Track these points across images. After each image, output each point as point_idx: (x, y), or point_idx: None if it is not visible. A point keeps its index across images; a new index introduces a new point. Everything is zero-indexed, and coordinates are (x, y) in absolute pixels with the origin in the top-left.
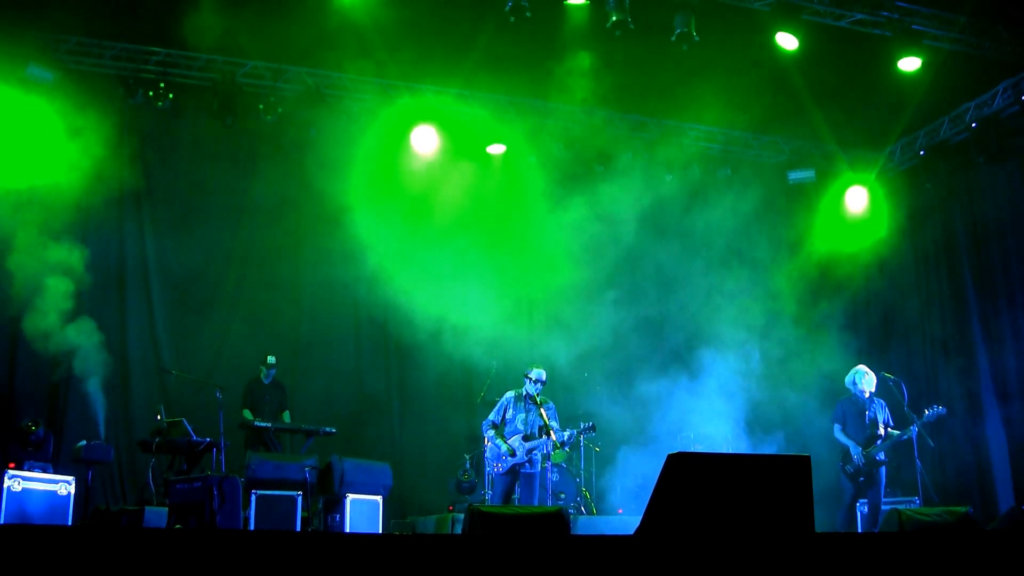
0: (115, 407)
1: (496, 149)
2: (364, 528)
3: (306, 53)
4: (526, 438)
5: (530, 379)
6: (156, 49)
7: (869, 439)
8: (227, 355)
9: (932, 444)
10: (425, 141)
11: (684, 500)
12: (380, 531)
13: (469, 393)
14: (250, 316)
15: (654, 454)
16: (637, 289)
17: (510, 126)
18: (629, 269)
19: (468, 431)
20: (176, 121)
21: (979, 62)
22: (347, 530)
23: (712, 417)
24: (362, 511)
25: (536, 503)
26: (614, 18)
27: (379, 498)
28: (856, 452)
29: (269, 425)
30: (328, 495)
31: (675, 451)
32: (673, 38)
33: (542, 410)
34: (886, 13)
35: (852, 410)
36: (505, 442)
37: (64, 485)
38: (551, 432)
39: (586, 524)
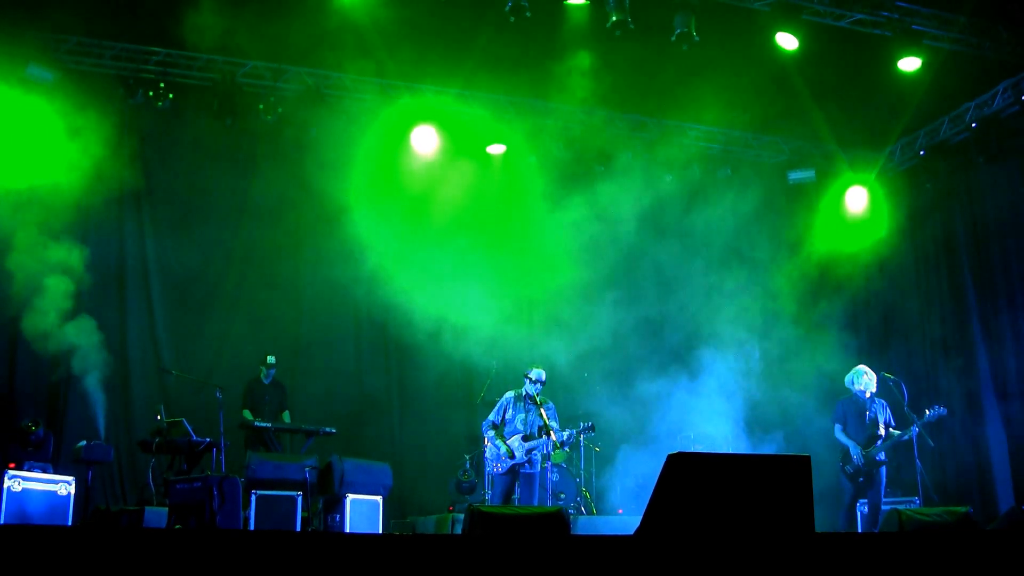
0: (115, 407)
1: (496, 149)
2: (364, 528)
3: (306, 53)
4: (525, 438)
5: (530, 379)
6: (156, 49)
7: (869, 439)
8: (227, 355)
9: (932, 444)
10: (425, 141)
11: (684, 500)
12: (380, 531)
13: (469, 393)
14: (250, 316)
15: (654, 454)
16: (637, 289)
17: (510, 126)
18: (629, 269)
19: (468, 431)
20: (176, 121)
21: (979, 62)
22: (347, 530)
23: (712, 417)
24: (362, 511)
25: (536, 503)
26: (614, 18)
27: (379, 498)
28: (856, 452)
29: (269, 425)
30: (328, 495)
31: (675, 451)
32: (673, 38)
33: (542, 410)
34: (886, 13)
35: (852, 410)
36: (504, 443)
37: (64, 485)
38: (551, 432)
39: (586, 524)
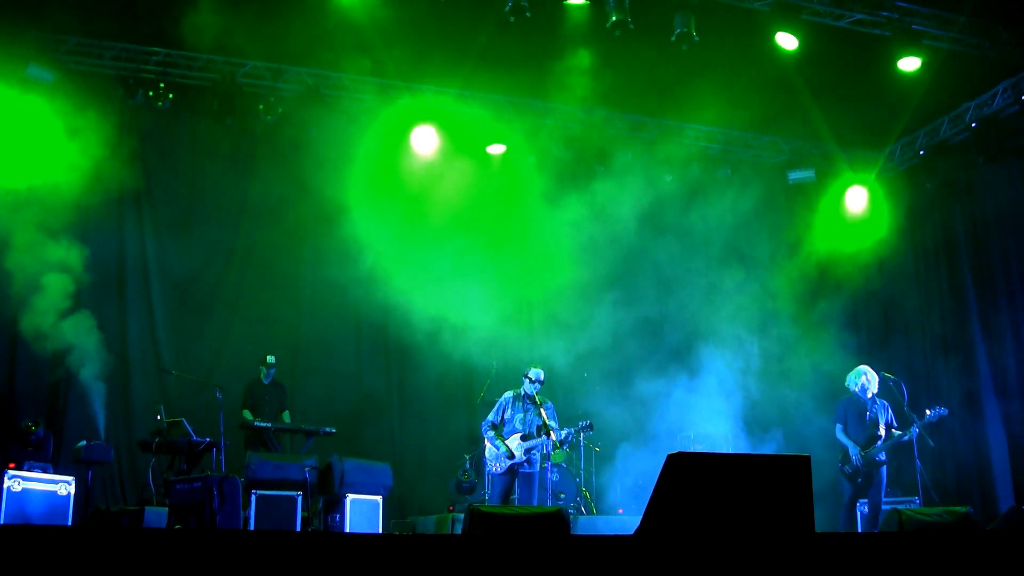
0: (115, 407)
1: (496, 149)
2: (364, 528)
3: (306, 53)
4: (524, 438)
5: (529, 379)
6: (156, 49)
7: (869, 440)
8: (227, 355)
9: (932, 444)
10: (425, 141)
11: (684, 500)
12: (380, 531)
13: (469, 393)
14: (250, 316)
15: (654, 453)
16: (636, 289)
17: (510, 126)
18: (628, 269)
19: (468, 431)
20: (176, 121)
21: (979, 62)
22: (347, 530)
23: (712, 416)
24: (362, 511)
25: (535, 503)
26: (614, 18)
27: (379, 498)
28: (855, 453)
29: (269, 425)
30: (328, 495)
31: (675, 451)
32: (673, 38)
33: (541, 410)
34: (886, 13)
35: (853, 410)
36: (504, 443)
37: (64, 485)
38: (551, 432)
39: (586, 524)
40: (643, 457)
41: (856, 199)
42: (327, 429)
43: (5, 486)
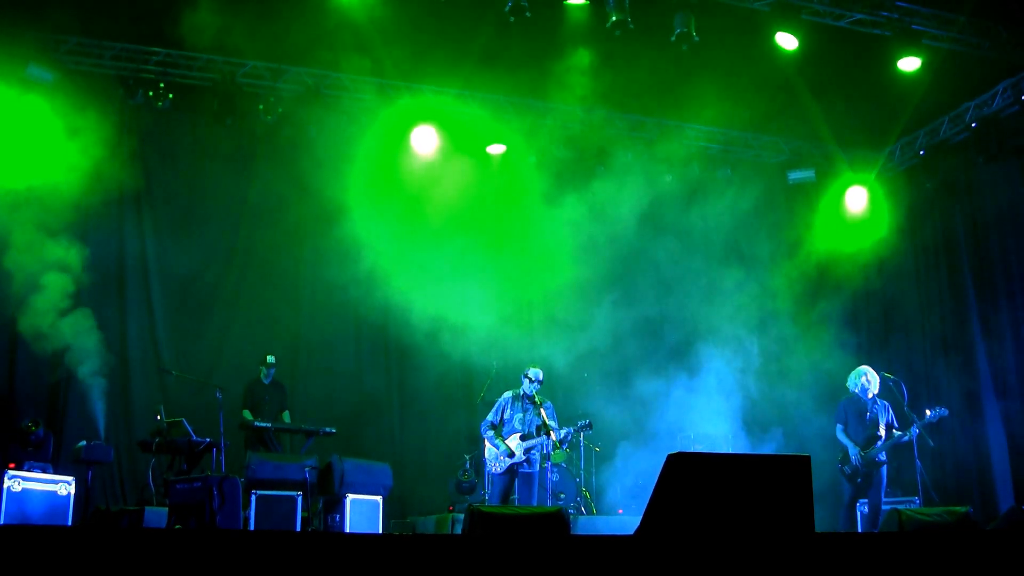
0: (115, 407)
1: (496, 149)
2: (364, 528)
3: (306, 53)
4: (524, 437)
5: (528, 378)
6: (156, 49)
7: (869, 440)
8: (227, 355)
9: (932, 444)
10: (424, 141)
11: (684, 500)
12: (380, 531)
13: (469, 393)
14: (250, 316)
15: (653, 453)
16: (636, 289)
17: (509, 126)
18: (628, 269)
19: (468, 431)
20: (176, 121)
21: (979, 62)
22: (347, 530)
23: (711, 416)
24: (362, 511)
25: (535, 503)
26: (614, 18)
27: (379, 498)
28: (854, 453)
29: (269, 425)
30: (328, 495)
31: (675, 451)
32: (673, 38)
33: (541, 409)
34: (886, 13)
35: (853, 410)
36: (503, 442)
37: (64, 485)
38: (551, 432)
39: (586, 524)
40: (643, 457)
41: (856, 199)
42: (327, 429)
43: (5, 486)
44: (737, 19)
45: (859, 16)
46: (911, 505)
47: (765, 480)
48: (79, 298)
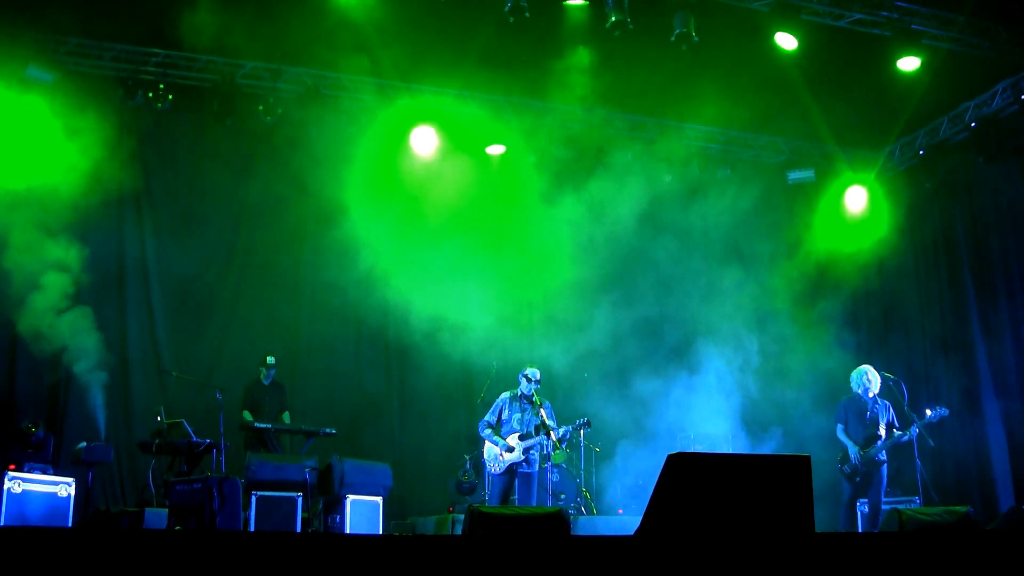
0: (115, 408)
1: (495, 149)
2: (364, 529)
3: (305, 54)
4: (522, 437)
5: (527, 378)
6: (155, 50)
7: (869, 439)
8: (227, 356)
9: (932, 444)
10: (424, 141)
11: (684, 500)
12: (380, 532)
13: (469, 393)
14: (250, 317)
15: (653, 453)
16: (636, 289)
17: (509, 126)
18: (628, 268)
19: (468, 431)
20: (175, 122)
21: (979, 62)
22: (347, 531)
23: (711, 415)
24: (362, 512)
25: (534, 503)
26: (613, 18)
27: (379, 499)
28: (854, 452)
29: (269, 426)
30: (328, 496)
31: (674, 450)
32: (673, 38)
33: (540, 409)
34: (885, 13)
35: (854, 410)
36: (503, 440)
37: (64, 486)
38: (550, 431)
39: (586, 524)
40: (643, 457)
41: (856, 199)
42: (327, 430)
43: (5, 487)
44: (737, 19)
45: (859, 16)
46: (911, 505)
47: (765, 480)
48: (79, 298)
